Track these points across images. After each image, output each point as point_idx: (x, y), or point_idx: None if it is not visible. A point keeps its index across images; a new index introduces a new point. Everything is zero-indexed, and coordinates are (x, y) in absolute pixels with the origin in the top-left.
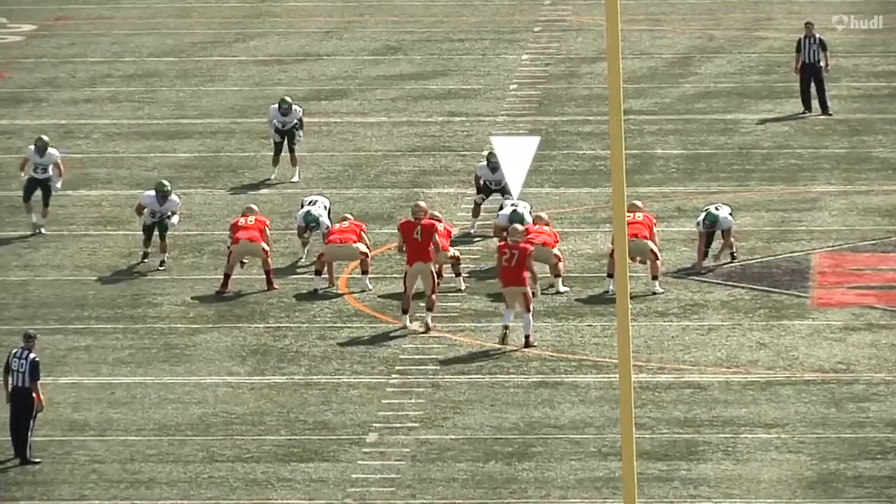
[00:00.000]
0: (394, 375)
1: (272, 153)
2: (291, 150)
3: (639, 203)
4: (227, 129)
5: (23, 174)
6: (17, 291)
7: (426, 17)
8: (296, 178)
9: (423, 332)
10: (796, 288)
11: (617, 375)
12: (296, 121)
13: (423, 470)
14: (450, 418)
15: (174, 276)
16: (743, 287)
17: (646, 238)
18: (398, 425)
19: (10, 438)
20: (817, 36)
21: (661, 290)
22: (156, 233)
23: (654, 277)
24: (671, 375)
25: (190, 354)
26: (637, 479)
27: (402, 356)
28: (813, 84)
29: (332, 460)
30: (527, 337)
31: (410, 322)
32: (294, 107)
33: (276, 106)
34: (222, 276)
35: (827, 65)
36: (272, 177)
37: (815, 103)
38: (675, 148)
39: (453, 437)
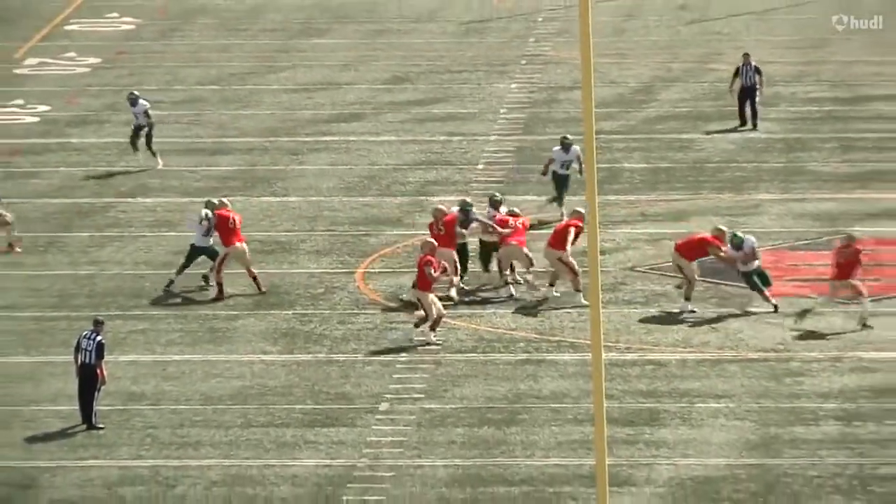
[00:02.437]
0: (402, 354)
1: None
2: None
3: (516, 210)
4: (262, 146)
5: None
6: (85, 283)
7: (429, 52)
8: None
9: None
10: (742, 280)
11: (590, 354)
12: (143, 112)
13: (426, 434)
14: (449, 390)
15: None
16: (697, 280)
17: (521, 244)
18: (406, 396)
19: (78, 407)
20: (753, 64)
21: (586, 303)
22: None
23: (577, 290)
24: (636, 354)
25: (230, 336)
26: (607, 441)
27: (409, 338)
28: (748, 103)
29: (350, 426)
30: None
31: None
32: (140, 100)
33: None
34: (217, 285)
35: (762, 87)
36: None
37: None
38: (639, 162)
39: (452, 406)
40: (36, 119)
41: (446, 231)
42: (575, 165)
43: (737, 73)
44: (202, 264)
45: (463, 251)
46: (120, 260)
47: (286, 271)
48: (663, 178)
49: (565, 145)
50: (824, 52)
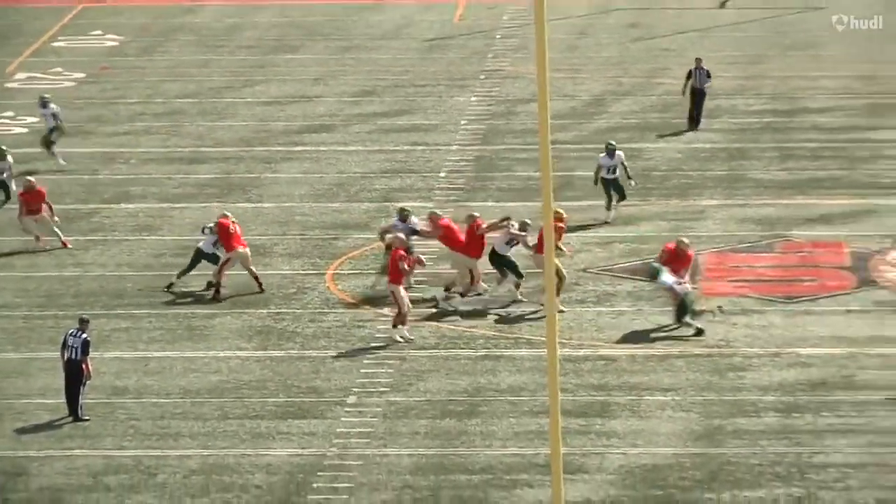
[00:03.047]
0: (369, 350)
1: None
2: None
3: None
4: (237, 155)
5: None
6: (71, 284)
7: (395, 67)
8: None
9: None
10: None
11: (545, 350)
12: (51, 113)
13: (392, 425)
14: (413, 384)
15: (196, 272)
16: (645, 281)
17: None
18: (372, 390)
19: (65, 401)
20: (705, 68)
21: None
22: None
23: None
24: (588, 350)
25: (208, 334)
26: (561, 432)
27: (375, 335)
28: (697, 105)
29: (321, 417)
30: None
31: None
32: (50, 104)
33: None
34: (214, 286)
35: (708, 87)
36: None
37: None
38: (592, 171)
39: (416, 399)
40: (25, 130)
41: (470, 236)
42: (619, 170)
43: (689, 76)
44: (205, 267)
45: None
46: (104, 262)
47: (260, 273)
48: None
49: (609, 151)
50: (764, 68)
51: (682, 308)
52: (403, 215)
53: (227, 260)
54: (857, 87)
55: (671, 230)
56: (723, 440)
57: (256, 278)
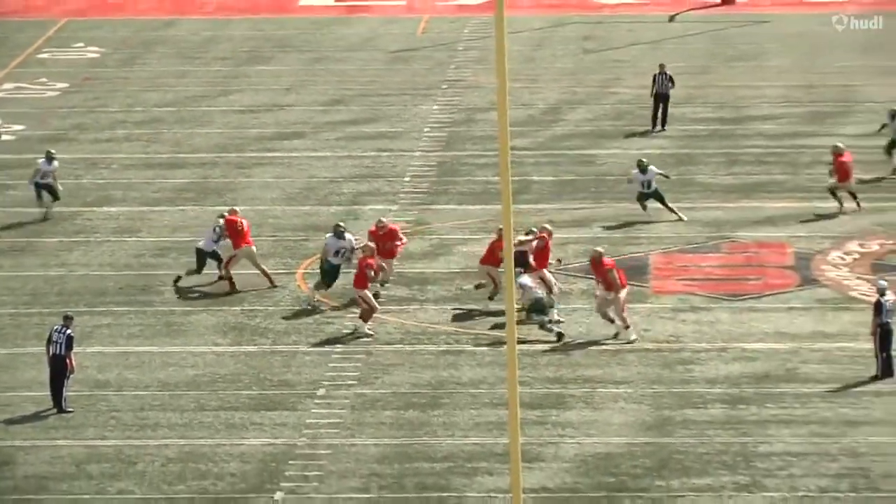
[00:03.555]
0: (337, 345)
1: None
2: None
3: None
4: (213, 161)
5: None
6: (56, 283)
7: (362, 77)
8: None
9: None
10: (638, 280)
11: (505, 345)
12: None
13: (359, 416)
14: (379, 378)
15: (173, 272)
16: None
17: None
18: (341, 383)
19: (49, 393)
20: (668, 73)
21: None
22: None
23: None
24: (545, 345)
25: (185, 330)
26: (519, 423)
27: (343, 331)
28: (661, 108)
29: (292, 409)
30: None
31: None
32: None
33: None
34: (227, 280)
35: (671, 90)
36: None
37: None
38: (548, 175)
39: (382, 391)
40: (12, 137)
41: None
42: (654, 183)
43: (654, 81)
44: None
45: (334, 273)
46: (87, 262)
47: (235, 272)
48: (569, 189)
49: (642, 168)
50: (710, 78)
51: (535, 308)
52: (338, 231)
53: (234, 256)
54: (798, 96)
55: (623, 231)
56: (672, 430)
57: (266, 275)
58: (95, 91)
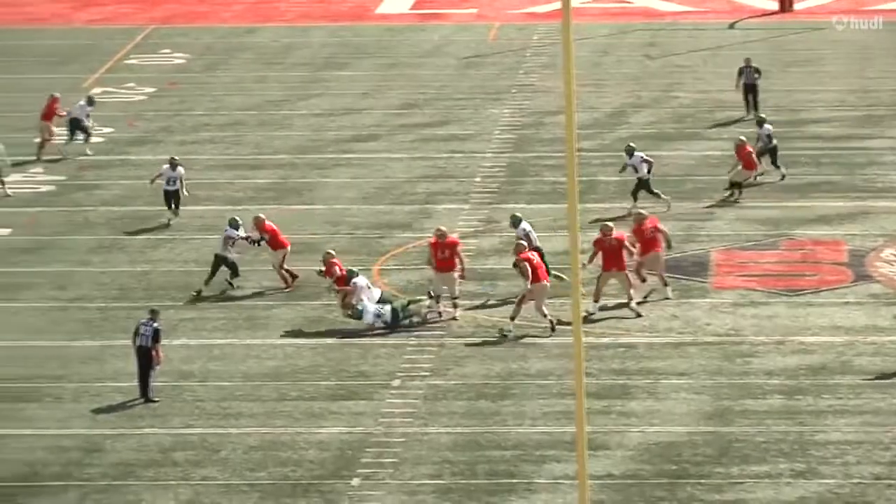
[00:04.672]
0: (412, 338)
1: None
2: None
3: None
4: (293, 162)
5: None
6: (142, 278)
7: (435, 82)
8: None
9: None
10: (699, 276)
11: (572, 338)
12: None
13: (432, 406)
14: (452, 369)
15: (255, 268)
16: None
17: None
18: (415, 374)
19: (137, 384)
20: (753, 66)
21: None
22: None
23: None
24: (610, 338)
25: (266, 323)
26: (585, 412)
27: (417, 324)
28: (751, 97)
29: (368, 399)
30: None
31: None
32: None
33: None
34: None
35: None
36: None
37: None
38: (613, 176)
39: (454, 382)
40: (101, 139)
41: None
42: (642, 169)
43: (740, 73)
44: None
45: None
46: (172, 259)
47: (314, 268)
48: (632, 189)
49: (629, 152)
50: (768, 82)
51: (355, 315)
52: (232, 222)
53: (284, 256)
54: (853, 100)
55: (685, 229)
56: (732, 420)
57: (288, 276)
58: (181, 95)
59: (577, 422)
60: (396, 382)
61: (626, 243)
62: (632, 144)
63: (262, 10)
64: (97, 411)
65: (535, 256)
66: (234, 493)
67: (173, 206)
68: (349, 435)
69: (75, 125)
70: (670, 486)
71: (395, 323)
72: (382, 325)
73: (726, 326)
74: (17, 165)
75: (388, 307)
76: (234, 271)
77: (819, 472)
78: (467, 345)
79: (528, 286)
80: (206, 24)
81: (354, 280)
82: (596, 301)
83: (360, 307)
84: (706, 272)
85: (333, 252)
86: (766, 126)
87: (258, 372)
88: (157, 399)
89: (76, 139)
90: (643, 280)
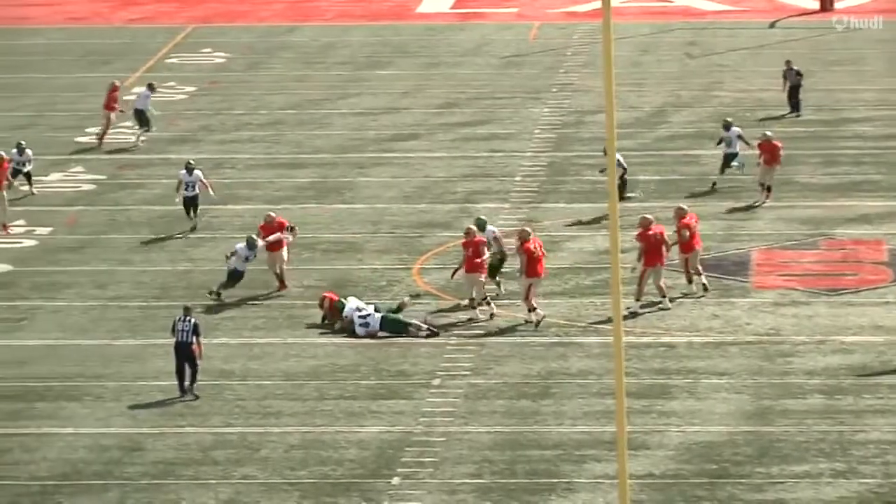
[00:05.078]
0: (452, 337)
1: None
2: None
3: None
4: (333, 161)
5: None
6: (183, 277)
7: (475, 82)
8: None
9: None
10: (740, 275)
11: (611, 337)
12: (28, 159)
13: (472, 405)
14: (492, 368)
15: (295, 267)
16: (702, 275)
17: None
18: (455, 373)
19: (176, 382)
20: (794, 67)
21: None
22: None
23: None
24: (650, 338)
25: (305, 323)
26: (626, 412)
27: (458, 323)
28: (794, 98)
29: (408, 398)
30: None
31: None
32: (27, 150)
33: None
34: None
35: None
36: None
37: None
38: (653, 175)
39: (494, 381)
40: (142, 138)
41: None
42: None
43: (785, 76)
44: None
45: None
46: (212, 258)
47: (354, 267)
48: (673, 188)
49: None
50: (809, 81)
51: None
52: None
53: (281, 260)
54: (894, 99)
55: (725, 229)
56: (772, 419)
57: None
58: (221, 94)
59: (618, 421)
60: (437, 381)
61: (666, 238)
62: (729, 119)
63: (303, 9)
64: (138, 410)
65: (537, 249)
66: (275, 493)
67: (192, 212)
68: (389, 434)
69: (140, 116)
70: (710, 485)
71: (393, 330)
72: (362, 323)
73: (767, 326)
74: (57, 165)
75: (377, 314)
76: (233, 283)
77: (859, 471)
78: (508, 344)
79: (523, 278)
80: (247, 24)
81: (346, 310)
82: (638, 300)
83: (343, 300)
84: (747, 272)
85: (274, 215)
86: (734, 129)
87: (298, 371)
88: (196, 395)
89: (144, 129)
90: (690, 280)
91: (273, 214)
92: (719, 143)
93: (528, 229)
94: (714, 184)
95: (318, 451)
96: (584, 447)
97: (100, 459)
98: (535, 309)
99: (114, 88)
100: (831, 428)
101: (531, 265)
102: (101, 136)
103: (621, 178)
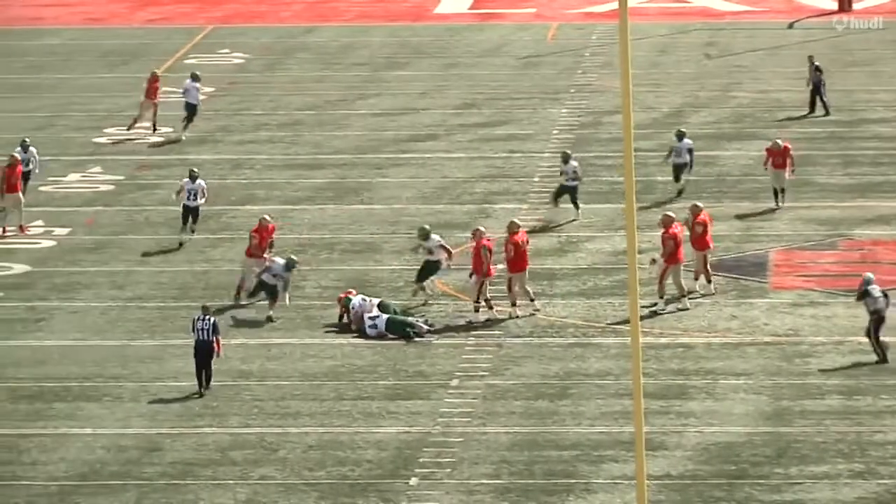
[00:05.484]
0: (470, 338)
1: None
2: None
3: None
4: (351, 162)
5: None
6: (201, 278)
7: (493, 82)
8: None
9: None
10: (758, 276)
11: (629, 338)
12: (32, 158)
13: (490, 406)
14: (510, 369)
15: (313, 268)
16: (720, 275)
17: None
18: (473, 374)
19: (196, 382)
20: (816, 64)
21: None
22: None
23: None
24: (668, 338)
25: (323, 323)
26: (643, 412)
27: (475, 324)
28: (817, 96)
29: (426, 399)
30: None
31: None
32: (31, 148)
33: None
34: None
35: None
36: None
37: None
38: (671, 176)
39: (512, 382)
40: (160, 139)
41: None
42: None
43: (810, 73)
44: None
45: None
46: (231, 258)
47: (372, 268)
48: (691, 188)
49: (564, 158)
50: (828, 82)
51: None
52: (290, 262)
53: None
54: None
55: (743, 230)
56: (790, 420)
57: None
58: (240, 95)
59: (636, 422)
60: (455, 382)
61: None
62: (568, 151)
63: (321, 10)
64: (156, 410)
65: (523, 243)
66: (293, 493)
67: (190, 221)
68: (407, 435)
69: (192, 110)
70: (728, 486)
71: (397, 332)
72: (371, 325)
73: (785, 327)
74: (75, 165)
75: (384, 316)
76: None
77: (878, 472)
78: (525, 345)
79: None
80: (265, 24)
81: (352, 302)
82: (662, 297)
83: (351, 298)
84: (765, 272)
85: (269, 218)
86: (686, 140)
87: (316, 371)
88: (209, 391)
89: (188, 122)
90: (708, 280)
91: (268, 218)
92: (668, 155)
93: (517, 221)
94: (680, 191)
95: (336, 451)
96: (601, 448)
97: (118, 460)
98: (516, 304)
99: (154, 79)
100: (849, 428)
101: (517, 259)
102: (134, 122)
103: (684, 164)
